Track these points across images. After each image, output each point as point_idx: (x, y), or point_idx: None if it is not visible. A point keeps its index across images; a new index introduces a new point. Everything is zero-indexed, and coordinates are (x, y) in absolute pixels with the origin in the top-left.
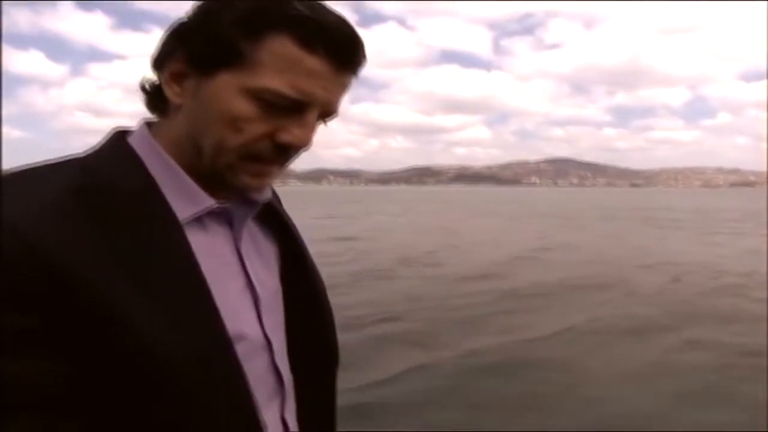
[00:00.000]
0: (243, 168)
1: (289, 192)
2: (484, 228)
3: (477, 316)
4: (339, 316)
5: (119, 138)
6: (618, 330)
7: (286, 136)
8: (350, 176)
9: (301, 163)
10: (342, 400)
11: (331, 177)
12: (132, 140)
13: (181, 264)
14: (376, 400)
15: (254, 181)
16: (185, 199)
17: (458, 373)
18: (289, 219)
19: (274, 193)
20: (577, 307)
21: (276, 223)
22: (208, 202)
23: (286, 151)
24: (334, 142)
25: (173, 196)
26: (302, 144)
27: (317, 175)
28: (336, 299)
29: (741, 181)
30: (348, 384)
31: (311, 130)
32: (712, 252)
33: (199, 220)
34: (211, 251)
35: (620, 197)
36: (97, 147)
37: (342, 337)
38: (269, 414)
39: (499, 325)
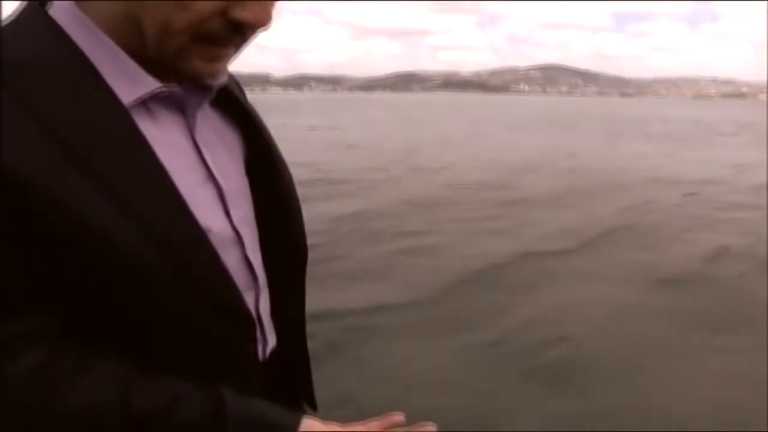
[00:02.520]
0: (194, 51)
1: (271, 100)
2: (489, 137)
3: (505, 226)
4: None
5: (35, 9)
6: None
7: (241, 13)
8: (333, 82)
9: (281, 68)
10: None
11: (313, 83)
12: (53, 13)
13: (135, 152)
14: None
15: (207, 66)
16: (125, 80)
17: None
18: (253, 109)
19: (235, 82)
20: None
21: (239, 114)
22: (153, 84)
23: (241, 31)
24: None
25: (111, 77)
26: (260, 22)
27: (298, 82)
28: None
29: (733, 93)
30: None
31: (270, 5)
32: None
33: (144, 106)
34: (163, 141)
35: (611, 108)
36: (5, 20)
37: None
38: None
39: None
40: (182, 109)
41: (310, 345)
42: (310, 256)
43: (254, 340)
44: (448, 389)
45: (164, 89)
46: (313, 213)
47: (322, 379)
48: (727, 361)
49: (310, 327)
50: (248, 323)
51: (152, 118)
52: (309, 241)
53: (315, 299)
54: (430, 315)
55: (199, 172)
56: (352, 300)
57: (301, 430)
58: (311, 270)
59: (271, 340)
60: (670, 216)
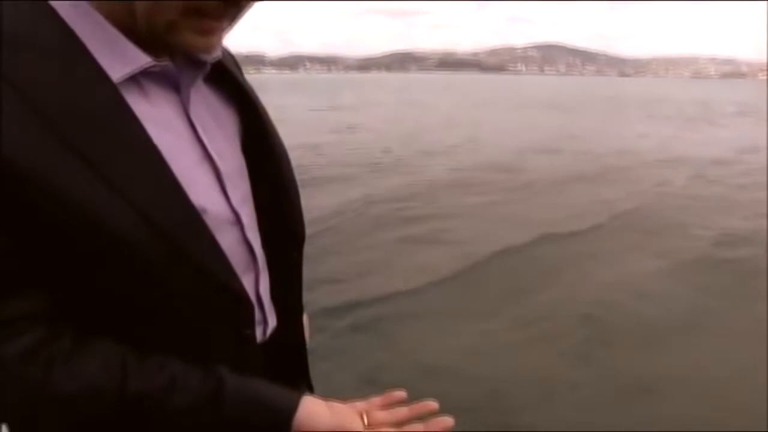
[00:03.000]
0: (186, 25)
1: (266, 80)
2: (491, 119)
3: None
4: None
5: None
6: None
7: None
8: (328, 62)
9: (274, 48)
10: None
11: (308, 63)
12: None
13: (125, 131)
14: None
15: (201, 40)
16: (115, 57)
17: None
18: (250, 86)
19: (232, 58)
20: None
21: (234, 91)
22: (144, 60)
23: (235, 3)
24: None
25: (100, 53)
26: None
27: (293, 62)
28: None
29: (733, 72)
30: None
31: None
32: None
33: (135, 82)
34: (155, 119)
35: (610, 88)
36: None
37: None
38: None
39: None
40: (176, 86)
41: (330, 335)
42: (318, 242)
43: (252, 323)
44: (472, 372)
45: (155, 65)
46: (318, 198)
47: (344, 363)
48: (747, 338)
49: (326, 320)
50: (245, 305)
51: (144, 95)
52: (315, 227)
53: (329, 290)
54: (446, 300)
55: (195, 151)
56: (366, 288)
57: (300, 408)
58: (320, 256)
59: (272, 322)
60: (681, 197)
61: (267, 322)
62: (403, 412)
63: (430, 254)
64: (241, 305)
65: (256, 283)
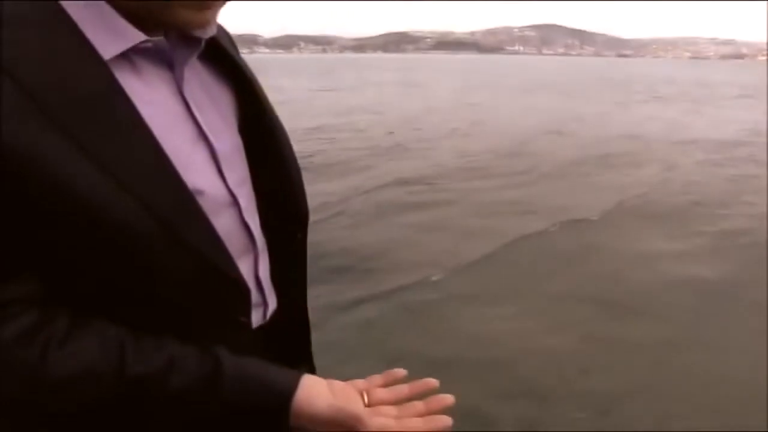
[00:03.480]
0: (180, 1)
1: (260, 61)
2: (494, 102)
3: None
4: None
5: None
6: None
7: None
8: (323, 43)
9: (268, 29)
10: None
11: (302, 44)
12: None
13: (116, 110)
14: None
15: (195, 15)
16: (107, 33)
17: None
18: (246, 65)
19: (227, 36)
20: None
21: (230, 70)
22: (136, 36)
23: None
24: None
25: (91, 31)
26: None
27: (287, 42)
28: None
29: (733, 53)
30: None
31: None
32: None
33: (127, 59)
34: (148, 98)
35: (611, 69)
36: None
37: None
38: (242, 271)
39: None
40: (169, 64)
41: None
42: (325, 230)
43: (248, 310)
44: (502, 357)
45: (148, 41)
46: (324, 184)
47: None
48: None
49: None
50: (241, 292)
51: (136, 73)
52: (323, 213)
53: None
54: (462, 286)
55: (189, 130)
56: (377, 276)
57: (300, 389)
58: (328, 246)
59: (272, 304)
60: (697, 180)
61: (267, 304)
62: (403, 390)
63: (439, 240)
64: (237, 291)
65: (255, 266)
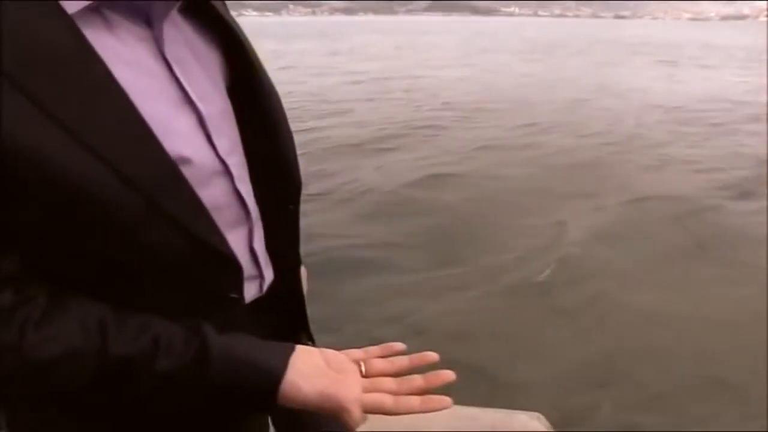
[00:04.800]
0: None
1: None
2: (511, 67)
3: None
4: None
5: None
6: None
7: None
8: (312, 6)
9: None
10: None
11: (291, 6)
12: None
13: (84, 71)
14: None
15: None
16: None
17: None
18: (236, 22)
19: None
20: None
21: (218, 29)
22: None
23: None
24: None
25: None
26: None
27: (275, 5)
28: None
29: (734, 14)
30: None
31: None
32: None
33: (98, 14)
34: (123, 58)
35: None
36: None
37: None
38: (236, 243)
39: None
40: (148, 21)
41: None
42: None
43: (239, 285)
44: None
45: None
46: (323, 142)
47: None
48: None
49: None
50: (231, 264)
51: (109, 30)
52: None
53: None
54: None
55: (172, 94)
56: (367, 235)
57: (290, 369)
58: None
59: (269, 276)
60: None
61: (263, 276)
62: (403, 362)
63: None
64: (227, 266)
65: (250, 237)
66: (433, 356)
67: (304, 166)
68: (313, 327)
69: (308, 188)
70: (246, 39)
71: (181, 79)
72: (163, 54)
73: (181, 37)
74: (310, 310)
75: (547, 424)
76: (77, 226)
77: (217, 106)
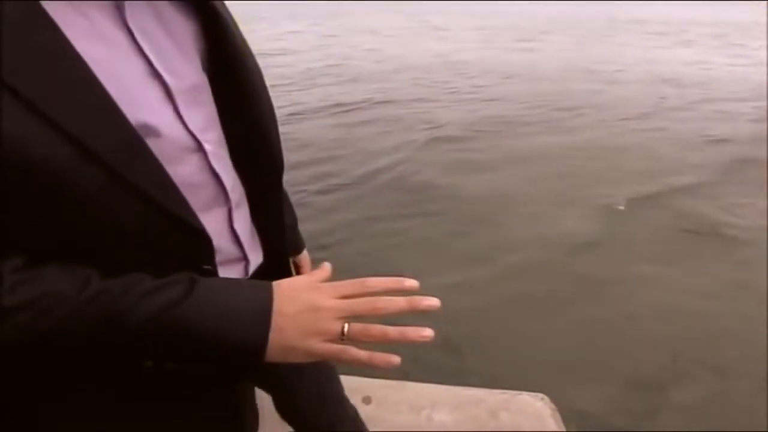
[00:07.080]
0: None
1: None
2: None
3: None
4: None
5: None
6: None
7: None
8: None
9: None
10: None
11: None
12: None
13: (40, 40)
14: None
15: None
16: None
17: None
18: None
19: None
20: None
21: (197, 2)
22: None
23: None
24: None
25: None
26: None
27: None
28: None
29: None
30: None
31: None
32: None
33: None
34: (83, 29)
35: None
36: None
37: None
38: (213, 223)
39: None
40: None
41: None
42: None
43: (211, 257)
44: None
45: None
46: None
47: None
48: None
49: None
50: (201, 238)
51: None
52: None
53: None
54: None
55: (137, 66)
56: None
57: (276, 299)
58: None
59: (255, 259)
60: None
61: (248, 259)
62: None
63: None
64: (196, 237)
65: (230, 218)
66: (412, 282)
67: None
68: None
69: None
70: (226, 11)
71: (146, 50)
72: (126, 25)
73: (152, 10)
74: None
75: (552, 405)
76: (40, 198)
77: (188, 79)
